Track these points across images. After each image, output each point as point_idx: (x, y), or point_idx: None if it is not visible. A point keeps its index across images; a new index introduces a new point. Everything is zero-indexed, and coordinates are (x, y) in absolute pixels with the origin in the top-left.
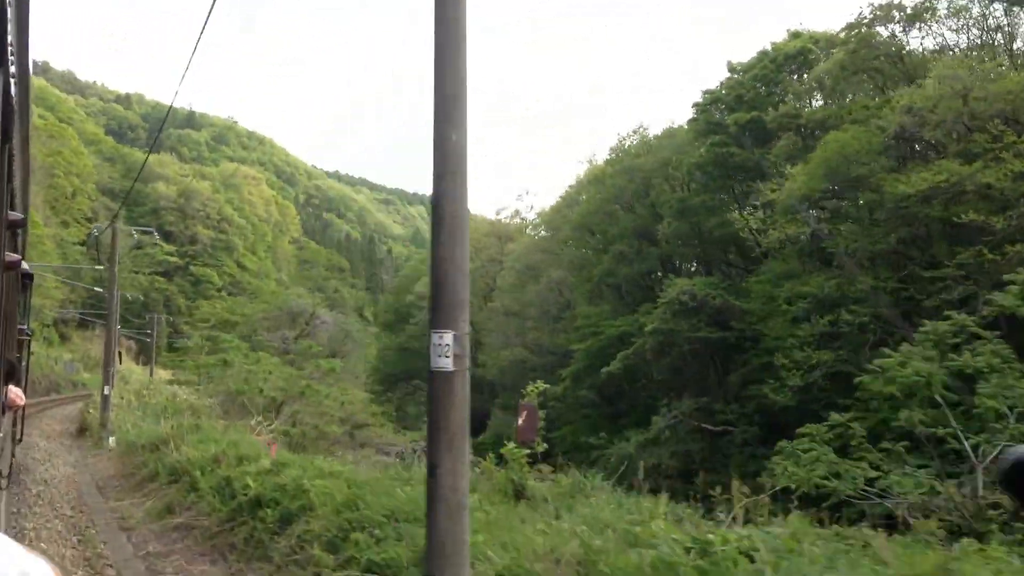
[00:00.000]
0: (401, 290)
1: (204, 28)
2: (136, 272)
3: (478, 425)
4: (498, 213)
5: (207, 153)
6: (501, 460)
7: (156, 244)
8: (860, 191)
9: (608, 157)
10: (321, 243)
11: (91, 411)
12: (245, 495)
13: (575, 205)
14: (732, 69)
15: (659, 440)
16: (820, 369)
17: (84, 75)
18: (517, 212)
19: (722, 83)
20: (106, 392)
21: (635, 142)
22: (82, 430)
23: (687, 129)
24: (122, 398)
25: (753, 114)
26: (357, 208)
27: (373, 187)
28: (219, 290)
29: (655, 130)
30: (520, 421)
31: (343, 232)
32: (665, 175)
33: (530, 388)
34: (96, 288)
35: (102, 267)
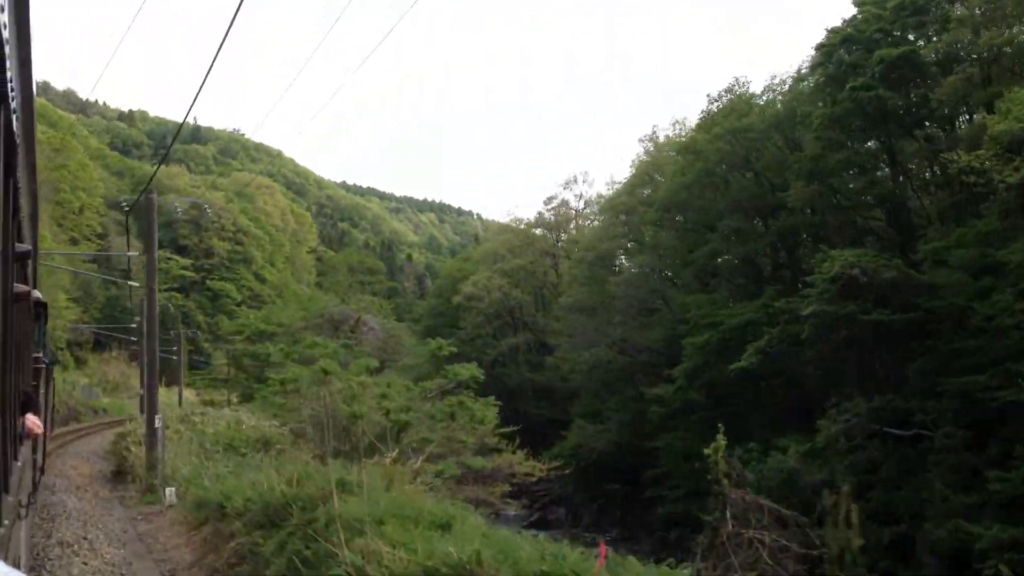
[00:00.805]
0: (443, 293)
1: (220, 49)
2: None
3: (547, 436)
4: (547, 203)
5: (215, 167)
6: None
7: (170, 259)
8: None
9: (693, 125)
10: (339, 252)
11: (131, 448)
12: None
13: (645, 186)
14: (861, 2)
15: (830, 450)
16: None
17: (85, 93)
18: (565, 202)
19: (847, 21)
20: (157, 425)
21: (728, 102)
22: (120, 472)
23: (811, 77)
24: (167, 427)
25: (904, 49)
26: (371, 216)
27: (382, 196)
28: (238, 304)
29: (754, 86)
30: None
31: (360, 240)
32: (781, 134)
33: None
34: (121, 293)
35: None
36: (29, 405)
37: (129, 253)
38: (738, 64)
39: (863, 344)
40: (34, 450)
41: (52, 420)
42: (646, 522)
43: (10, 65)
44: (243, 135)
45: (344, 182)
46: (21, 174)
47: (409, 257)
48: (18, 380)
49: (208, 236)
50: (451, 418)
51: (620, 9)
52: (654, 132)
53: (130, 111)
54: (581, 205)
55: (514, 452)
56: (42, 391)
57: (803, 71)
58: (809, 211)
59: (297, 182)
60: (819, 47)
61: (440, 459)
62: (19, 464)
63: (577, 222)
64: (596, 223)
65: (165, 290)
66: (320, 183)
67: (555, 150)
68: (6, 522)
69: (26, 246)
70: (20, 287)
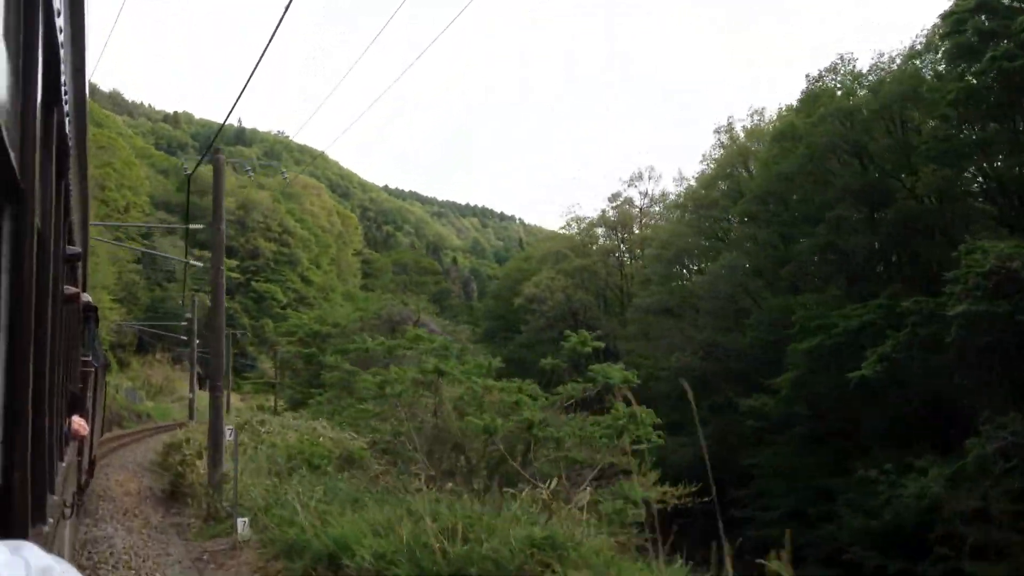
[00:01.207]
0: (502, 295)
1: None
2: (196, 290)
3: None
4: (612, 200)
5: (259, 169)
6: None
7: None
8: None
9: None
10: (384, 254)
11: (189, 463)
12: None
13: (725, 179)
14: None
15: (982, 472)
16: None
17: (131, 95)
18: (629, 200)
19: None
20: (228, 436)
21: (834, 82)
22: (175, 492)
23: (922, 56)
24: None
25: None
26: (414, 220)
27: (424, 200)
28: (283, 307)
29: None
30: None
31: (405, 243)
32: (892, 115)
33: None
34: (167, 295)
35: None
36: (76, 407)
37: (194, 226)
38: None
39: (1008, 349)
40: (79, 452)
41: (103, 424)
42: (733, 546)
43: (64, 70)
44: (287, 137)
45: (386, 186)
46: (73, 178)
47: (454, 261)
48: (65, 382)
49: (254, 236)
50: (617, 435)
51: (620, 8)
52: (730, 123)
53: (175, 113)
54: (647, 202)
55: (645, 475)
56: (90, 394)
57: (916, 47)
58: (933, 199)
59: (341, 184)
60: (946, 15)
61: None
62: (64, 465)
63: (642, 220)
64: (664, 220)
65: (209, 291)
66: (364, 186)
67: (599, 151)
68: (51, 521)
69: (76, 249)
70: (70, 289)
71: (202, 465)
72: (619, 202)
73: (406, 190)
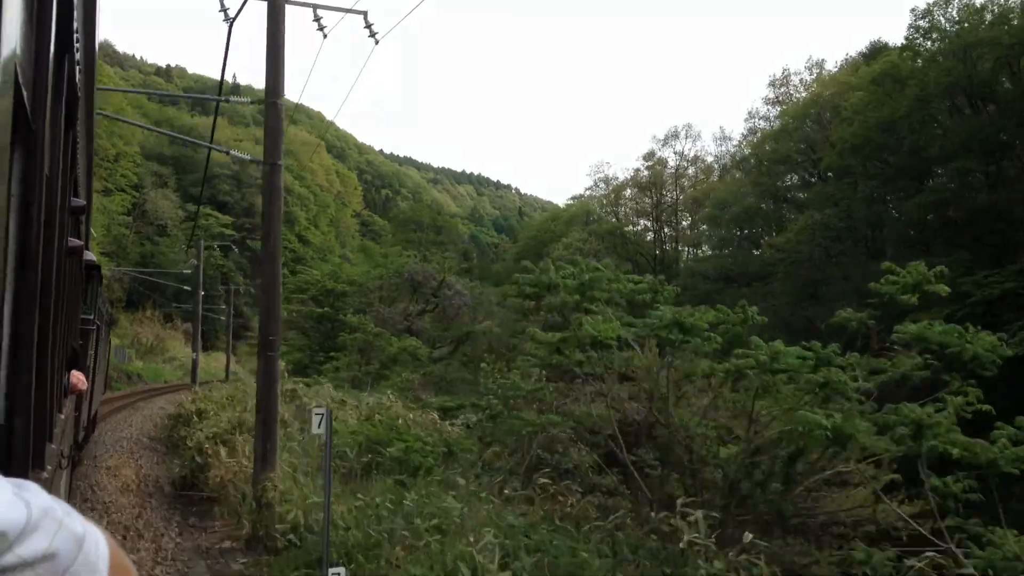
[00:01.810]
0: (525, 257)
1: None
2: (189, 246)
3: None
4: (648, 159)
5: (255, 125)
6: None
7: (210, 215)
8: None
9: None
10: (384, 216)
11: (218, 450)
12: None
13: (792, 134)
14: None
15: None
16: None
17: (123, 47)
18: (663, 160)
19: None
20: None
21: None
22: (194, 486)
23: None
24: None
25: None
26: (412, 184)
27: (420, 166)
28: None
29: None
30: None
31: (405, 207)
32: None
33: None
34: (156, 249)
35: None
36: (76, 362)
37: (224, 149)
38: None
39: None
40: (77, 407)
41: (105, 381)
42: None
43: (76, 16)
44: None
45: (381, 150)
46: (80, 128)
47: (455, 227)
48: (67, 336)
49: (250, 192)
50: None
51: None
52: (785, 75)
53: (167, 66)
54: (677, 162)
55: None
56: (91, 351)
57: None
58: None
59: (338, 145)
60: None
61: None
62: (63, 417)
63: (677, 181)
64: (700, 182)
65: (205, 248)
66: (360, 148)
67: (587, 127)
68: (49, 468)
69: (81, 201)
70: (74, 242)
71: (230, 453)
72: (653, 161)
73: (401, 155)
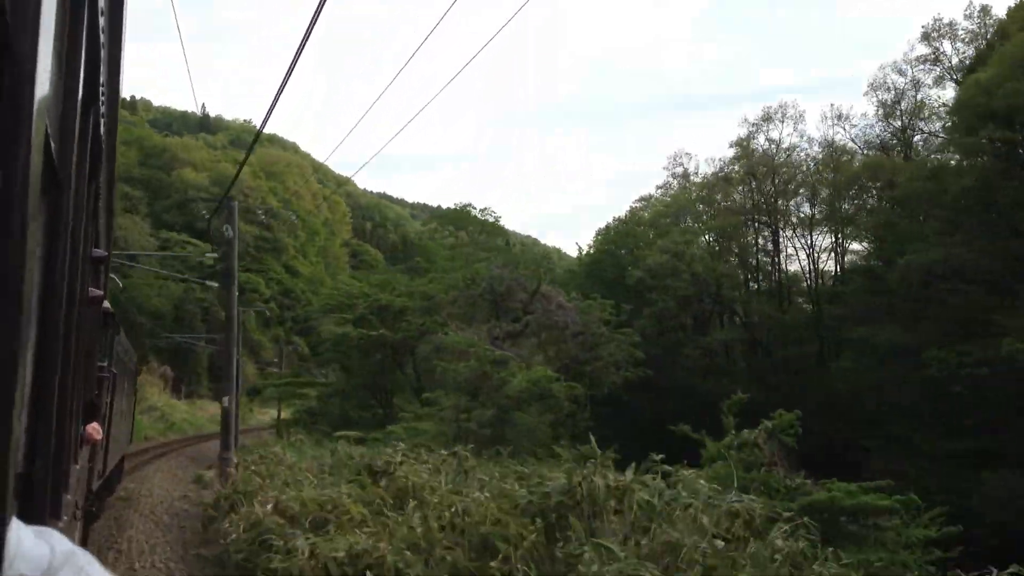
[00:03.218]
0: (599, 269)
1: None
2: (165, 279)
3: None
4: (741, 145)
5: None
6: None
7: (188, 243)
8: None
9: None
10: (375, 246)
11: None
12: None
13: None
14: None
15: None
16: None
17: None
18: (747, 152)
19: None
20: None
21: None
22: None
23: None
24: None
25: None
26: (394, 216)
27: (394, 201)
28: (266, 301)
29: None
30: None
31: (395, 240)
32: None
33: None
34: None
35: None
36: (94, 414)
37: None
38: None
39: None
40: (92, 457)
41: (131, 432)
42: None
43: (103, 69)
44: (255, 126)
45: (355, 185)
46: (103, 179)
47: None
48: (83, 385)
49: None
50: None
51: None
52: (938, 25)
53: (132, 98)
54: (776, 147)
55: None
56: (106, 400)
57: None
58: None
59: (316, 175)
60: None
61: None
62: (77, 467)
63: (783, 168)
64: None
65: (182, 280)
66: (338, 180)
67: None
68: (65, 518)
69: (102, 251)
70: (94, 292)
71: None
72: (745, 149)
73: (374, 191)
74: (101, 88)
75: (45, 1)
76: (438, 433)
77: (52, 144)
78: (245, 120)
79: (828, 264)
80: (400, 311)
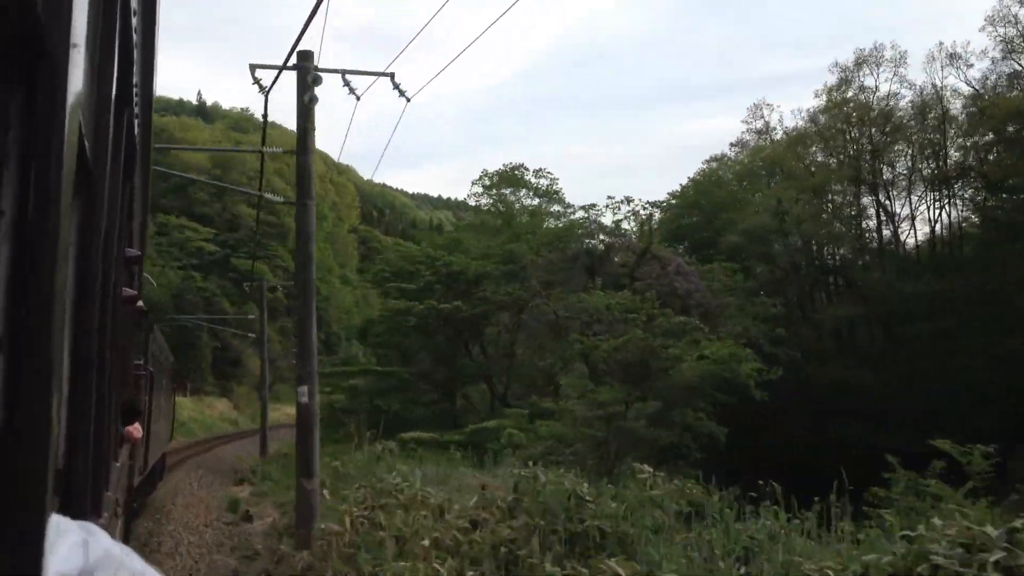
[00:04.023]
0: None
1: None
2: (162, 266)
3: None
4: (836, 89)
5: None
6: None
7: (186, 227)
8: None
9: None
10: (384, 233)
11: None
12: None
13: None
14: None
15: None
16: None
17: None
18: (836, 101)
19: None
20: None
21: None
22: None
23: None
24: None
25: None
26: (398, 205)
27: (394, 191)
28: (272, 290)
29: None
30: None
31: (404, 226)
32: None
33: None
34: None
35: None
36: (134, 416)
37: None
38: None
39: None
40: (132, 455)
41: (171, 429)
42: None
43: (136, 69)
44: (252, 114)
45: (356, 173)
46: (138, 179)
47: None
48: (121, 383)
49: (233, 202)
50: None
51: None
52: None
53: None
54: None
55: None
56: (144, 397)
57: None
58: None
59: (317, 163)
60: None
61: None
62: (118, 465)
63: (881, 117)
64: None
65: (180, 267)
66: (338, 167)
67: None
68: (106, 514)
69: (136, 251)
70: (128, 292)
71: None
72: (839, 95)
73: (376, 181)
74: (135, 89)
75: (77, 0)
76: (570, 436)
77: (86, 144)
78: (242, 108)
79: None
80: (476, 279)
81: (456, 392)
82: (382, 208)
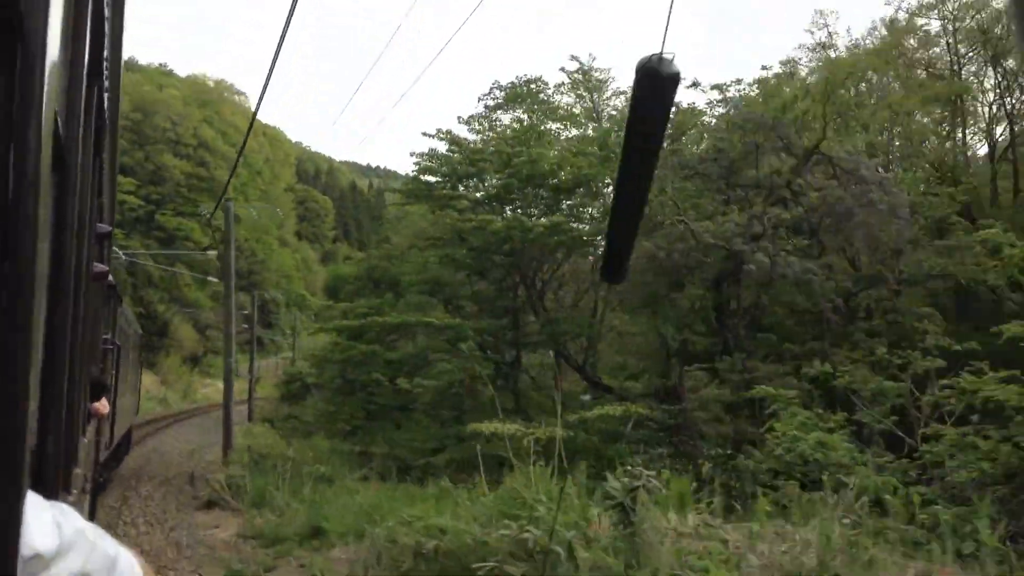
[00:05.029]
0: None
1: None
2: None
3: None
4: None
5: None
6: None
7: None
8: None
9: None
10: (324, 192)
11: None
12: None
13: None
14: None
15: None
16: None
17: None
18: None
19: None
20: None
21: None
22: None
23: None
24: None
25: None
26: (328, 169)
27: (318, 156)
28: (204, 249)
29: None
30: None
31: (344, 185)
32: None
33: None
34: None
35: None
36: (102, 391)
37: None
38: None
39: None
40: (99, 430)
41: (137, 405)
42: None
43: (106, 43)
44: (207, 79)
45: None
46: (106, 154)
47: None
48: (90, 360)
49: (157, 151)
50: None
51: None
52: None
53: None
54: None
55: None
56: (112, 372)
57: None
58: None
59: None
60: None
61: None
62: (85, 441)
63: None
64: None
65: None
66: (265, 131)
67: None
68: (75, 491)
69: (107, 227)
70: (99, 267)
71: None
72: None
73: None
74: (105, 62)
75: None
76: None
77: (58, 122)
78: (200, 74)
79: None
80: (569, 188)
81: (517, 367)
82: (319, 167)
